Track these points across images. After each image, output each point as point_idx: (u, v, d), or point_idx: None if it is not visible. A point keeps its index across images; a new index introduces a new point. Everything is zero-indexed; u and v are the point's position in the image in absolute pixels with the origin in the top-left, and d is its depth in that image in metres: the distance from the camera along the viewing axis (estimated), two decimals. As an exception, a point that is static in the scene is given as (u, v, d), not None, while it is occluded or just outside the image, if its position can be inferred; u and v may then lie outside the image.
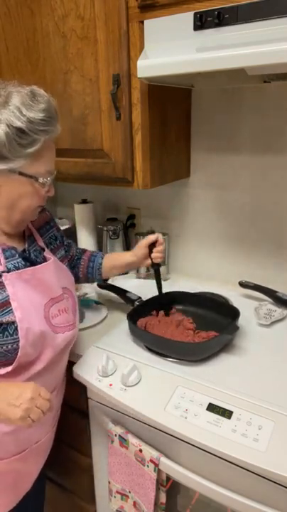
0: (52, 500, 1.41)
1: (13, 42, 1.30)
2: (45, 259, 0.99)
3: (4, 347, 0.86)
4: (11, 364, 0.88)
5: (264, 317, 1.25)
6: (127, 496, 1.08)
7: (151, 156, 1.23)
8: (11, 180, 0.84)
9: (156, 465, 0.95)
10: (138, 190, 1.38)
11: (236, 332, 1.11)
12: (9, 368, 0.88)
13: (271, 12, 0.85)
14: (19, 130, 0.78)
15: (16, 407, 0.79)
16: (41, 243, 1.02)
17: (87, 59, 1.18)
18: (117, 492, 1.09)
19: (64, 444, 1.28)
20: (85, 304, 1.40)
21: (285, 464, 0.79)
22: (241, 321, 1.14)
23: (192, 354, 1.06)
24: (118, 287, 1.41)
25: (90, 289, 1.51)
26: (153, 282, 1.23)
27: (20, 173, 0.83)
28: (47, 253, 1.00)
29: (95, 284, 1.46)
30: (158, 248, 1.18)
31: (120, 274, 1.52)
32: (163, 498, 1.00)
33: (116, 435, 1.03)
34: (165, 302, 1.25)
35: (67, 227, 1.73)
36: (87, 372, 1.06)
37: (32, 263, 0.95)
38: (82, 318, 1.31)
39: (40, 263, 0.96)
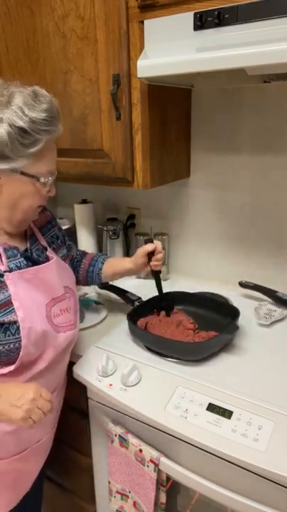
0: (52, 500, 1.41)
1: (13, 42, 1.30)
2: (47, 259, 0.99)
3: (6, 346, 0.86)
4: (13, 363, 0.88)
5: (264, 317, 1.25)
6: (127, 496, 1.08)
7: (151, 156, 1.23)
8: (12, 179, 0.84)
9: (156, 465, 0.95)
10: (138, 190, 1.38)
11: (236, 332, 1.11)
12: (11, 367, 0.88)
13: (271, 12, 0.85)
14: (21, 130, 0.79)
15: (18, 407, 0.80)
16: (43, 242, 1.02)
17: (87, 59, 1.18)
18: (117, 492, 1.09)
19: (64, 444, 1.28)
20: (85, 304, 1.40)
21: (285, 464, 0.79)
22: (241, 321, 1.14)
23: (192, 354, 1.06)
24: (118, 287, 1.41)
25: (90, 289, 1.51)
26: (153, 282, 1.22)
27: (22, 173, 0.84)
28: (49, 252, 1.01)
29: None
30: (157, 257, 1.15)
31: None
32: (163, 498, 1.00)
33: (116, 435, 1.03)
34: (165, 302, 1.25)
35: (67, 227, 1.72)
36: (87, 372, 1.06)
37: (34, 262, 0.95)
38: (82, 318, 1.31)
39: (42, 262, 0.96)
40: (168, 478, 0.98)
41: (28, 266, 0.93)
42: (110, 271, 1.23)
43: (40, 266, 0.94)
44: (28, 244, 0.97)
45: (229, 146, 1.40)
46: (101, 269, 1.23)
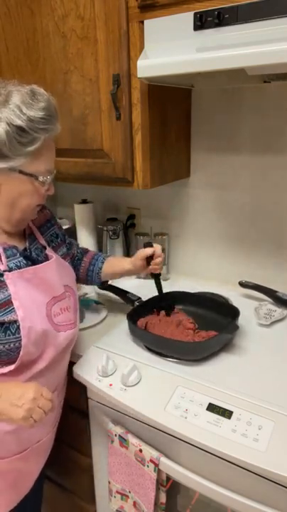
0: (52, 500, 1.41)
1: (13, 42, 1.30)
2: (46, 258, 0.99)
3: (6, 346, 0.86)
4: (13, 363, 0.88)
5: (264, 317, 1.25)
6: (127, 496, 1.08)
7: (151, 156, 1.23)
8: (11, 178, 0.84)
9: (156, 465, 0.95)
10: (138, 190, 1.38)
11: (236, 332, 1.11)
12: (12, 367, 0.88)
13: (271, 12, 0.85)
14: (19, 128, 0.79)
15: (18, 407, 0.80)
16: (42, 241, 1.02)
17: (87, 59, 1.18)
18: (117, 492, 1.09)
19: (64, 444, 1.28)
20: (85, 303, 1.40)
21: (285, 464, 0.79)
22: (241, 321, 1.14)
23: (192, 353, 1.06)
24: (119, 287, 1.41)
25: (90, 289, 1.51)
26: (153, 282, 1.22)
27: (21, 172, 0.84)
28: (48, 251, 1.01)
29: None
30: (156, 261, 1.15)
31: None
32: (163, 498, 1.00)
33: (116, 435, 1.03)
34: (165, 302, 1.25)
35: (67, 227, 1.73)
36: (87, 372, 1.06)
37: (33, 262, 0.95)
38: (82, 318, 1.31)
39: (41, 262, 0.96)
40: (168, 478, 0.98)
41: (27, 265, 0.93)
42: (110, 270, 1.24)
43: (39, 265, 0.94)
44: (27, 244, 0.97)
45: (229, 146, 1.40)
46: (101, 269, 1.23)
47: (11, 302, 0.87)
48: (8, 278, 0.87)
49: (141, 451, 0.98)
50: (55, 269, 0.97)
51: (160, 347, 1.10)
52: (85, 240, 1.69)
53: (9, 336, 0.86)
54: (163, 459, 0.95)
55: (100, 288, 1.43)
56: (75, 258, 1.23)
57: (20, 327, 0.86)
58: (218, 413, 0.90)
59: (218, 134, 1.40)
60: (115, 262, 1.25)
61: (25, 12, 1.24)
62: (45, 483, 1.29)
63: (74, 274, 1.09)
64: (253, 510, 0.85)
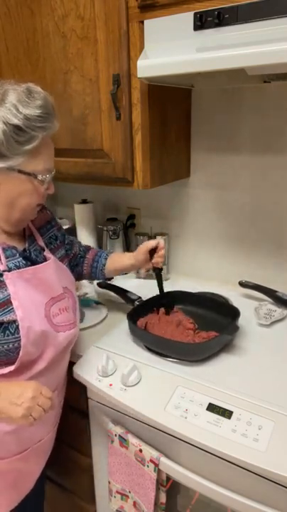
0: (52, 500, 1.41)
1: (13, 42, 1.30)
2: (45, 259, 0.99)
3: (5, 346, 0.86)
4: (13, 363, 0.88)
5: (264, 317, 1.25)
6: (127, 496, 1.08)
7: (151, 156, 1.23)
8: (10, 178, 0.84)
9: (156, 465, 0.95)
10: (138, 190, 1.38)
11: (236, 332, 1.10)
12: (12, 368, 0.88)
13: (271, 12, 0.85)
14: (16, 127, 0.79)
15: (18, 405, 0.80)
16: (41, 243, 1.02)
17: (87, 59, 1.18)
18: (117, 492, 1.09)
19: (64, 444, 1.28)
20: (85, 303, 1.40)
21: (285, 464, 0.79)
22: (241, 321, 1.14)
23: (192, 354, 1.06)
24: (119, 287, 1.41)
25: (90, 289, 1.51)
26: (153, 282, 1.22)
27: (19, 171, 0.83)
28: (47, 253, 1.00)
29: (95, 283, 1.46)
30: (159, 253, 1.16)
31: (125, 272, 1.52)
32: (163, 498, 1.00)
33: (116, 435, 1.03)
34: (166, 300, 1.25)
35: (67, 227, 1.73)
36: (87, 372, 1.06)
37: (32, 262, 0.95)
38: (82, 318, 1.31)
39: (40, 262, 0.96)
40: (168, 478, 0.98)
41: (26, 266, 0.93)
42: (113, 267, 1.24)
43: (38, 265, 0.94)
44: (27, 245, 0.97)
45: (229, 146, 1.40)
46: (104, 265, 1.24)
47: (10, 302, 0.87)
48: (8, 278, 0.87)
49: (141, 451, 0.98)
50: (53, 269, 0.97)
51: (160, 347, 1.10)
52: (85, 240, 1.69)
53: (8, 336, 0.86)
54: (163, 459, 0.95)
55: (100, 286, 1.44)
56: (78, 256, 1.24)
57: (19, 327, 0.86)
58: (218, 413, 0.90)
59: (218, 134, 1.40)
60: (118, 258, 1.25)
61: (25, 12, 1.24)
62: (45, 484, 1.29)
63: (73, 277, 1.09)
64: (253, 510, 0.85)
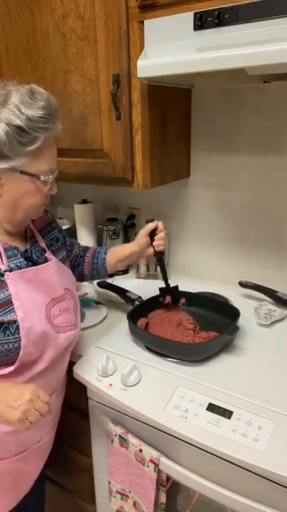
0: (52, 501, 1.41)
1: (13, 42, 1.30)
2: (46, 260, 0.99)
3: (6, 346, 0.86)
4: (13, 364, 0.88)
5: (264, 317, 1.25)
6: (127, 496, 1.08)
7: (151, 156, 1.23)
8: (12, 179, 0.84)
9: (156, 465, 0.95)
10: (138, 190, 1.38)
11: (236, 332, 1.10)
12: (12, 368, 0.88)
13: (271, 12, 0.85)
14: (19, 128, 0.79)
15: (15, 408, 0.79)
16: (42, 244, 1.02)
17: (87, 59, 1.18)
18: (117, 492, 1.09)
19: (64, 444, 1.28)
20: (85, 303, 1.40)
21: (285, 464, 0.79)
22: (241, 321, 1.14)
23: (192, 355, 1.06)
24: (119, 287, 1.41)
25: (90, 289, 1.51)
26: (153, 282, 1.22)
27: (22, 172, 0.84)
28: (48, 254, 1.00)
29: (95, 283, 1.46)
30: (159, 235, 1.16)
31: (123, 272, 1.52)
32: (163, 498, 1.00)
33: (116, 435, 1.03)
34: (173, 292, 1.24)
35: (67, 227, 1.73)
36: (87, 372, 1.06)
37: (34, 263, 0.95)
38: (82, 318, 1.31)
39: (41, 263, 0.96)
40: (168, 478, 0.98)
41: (27, 266, 0.93)
42: (114, 258, 1.22)
43: (40, 266, 0.94)
44: (28, 245, 0.97)
45: (229, 146, 1.40)
46: (105, 259, 1.23)
47: (11, 302, 0.87)
48: (9, 278, 0.87)
49: (141, 451, 0.98)
50: (55, 270, 0.97)
51: (160, 347, 1.10)
52: (85, 239, 1.70)
53: (8, 336, 0.86)
54: (163, 459, 0.95)
55: (100, 286, 1.44)
56: (78, 256, 1.23)
57: (20, 327, 0.86)
58: (218, 413, 0.90)
59: (218, 134, 1.40)
60: (118, 249, 1.24)
61: (25, 12, 1.24)
62: (45, 484, 1.29)
63: (74, 278, 1.09)
64: (253, 510, 0.85)
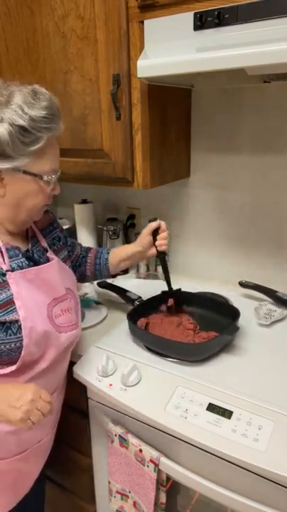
0: (52, 501, 1.41)
1: (13, 42, 1.30)
2: (48, 260, 0.99)
3: (8, 346, 0.86)
4: (14, 363, 0.88)
5: (264, 317, 1.25)
6: (127, 496, 1.08)
7: (151, 156, 1.23)
8: (15, 179, 0.84)
9: (156, 465, 0.95)
10: (138, 190, 1.38)
11: (236, 332, 1.10)
12: (13, 367, 0.88)
13: (271, 12, 0.85)
14: (22, 128, 0.79)
15: (17, 408, 0.79)
16: (44, 244, 1.02)
17: (87, 59, 1.18)
18: (117, 492, 1.09)
19: (64, 444, 1.28)
20: (85, 303, 1.40)
21: (285, 464, 0.79)
22: (241, 321, 1.14)
23: (192, 355, 1.06)
24: (119, 287, 1.41)
25: (90, 289, 1.51)
26: (153, 282, 1.22)
27: (25, 172, 0.84)
28: (49, 254, 1.01)
29: (95, 283, 1.46)
30: (162, 235, 1.15)
31: (123, 272, 1.52)
32: (163, 498, 1.00)
33: (116, 435, 1.03)
34: (175, 295, 1.24)
35: (67, 227, 1.73)
36: (87, 372, 1.06)
37: (35, 263, 0.95)
38: (82, 318, 1.31)
39: (43, 263, 0.96)
40: (168, 478, 0.98)
41: (29, 266, 0.93)
42: (116, 259, 1.22)
43: (41, 266, 0.94)
44: (30, 245, 0.97)
45: (229, 146, 1.40)
46: (107, 260, 1.23)
47: (13, 302, 0.87)
48: (11, 278, 0.88)
49: (141, 451, 0.98)
50: (56, 270, 0.98)
51: (160, 347, 1.10)
52: (85, 239, 1.69)
53: (10, 335, 0.86)
54: (163, 459, 0.95)
55: (100, 286, 1.44)
56: (80, 256, 1.23)
57: (22, 327, 0.86)
58: (218, 413, 0.90)
59: (218, 134, 1.40)
60: (121, 249, 1.24)
61: (25, 12, 1.24)
62: (45, 484, 1.29)
63: (75, 278, 1.09)
64: (253, 510, 0.85)
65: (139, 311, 1.23)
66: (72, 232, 1.72)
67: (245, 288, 1.39)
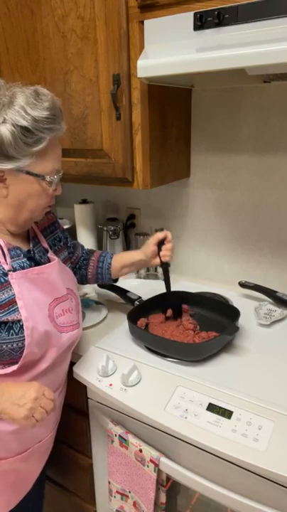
0: (53, 501, 1.41)
1: (13, 42, 1.30)
2: (49, 260, 0.99)
3: (9, 345, 0.86)
4: (16, 363, 0.88)
5: (264, 317, 1.25)
6: (127, 496, 1.08)
7: (151, 156, 1.23)
8: (18, 179, 0.85)
9: (156, 465, 0.95)
10: (138, 190, 1.38)
11: (237, 332, 1.10)
12: (15, 367, 0.88)
13: (271, 12, 0.85)
14: (24, 129, 0.79)
15: (20, 406, 0.80)
16: (45, 244, 1.02)
17: (87, 59, 1.18)
18: (117, 492, 1.09)
19: (64, 444, 1.28)
20: (85, 304, 1.40)
21: (285, 464, 0.79)
22: (241, 321, 1.14)
23: (192, 354, 1.06)
24: (119, 287, 1.41)
25: (90, 289, 1.51)
26: (153, 282, 1.22)
27: (28, 172, 0.84)
28: (50, 254, 1.01)
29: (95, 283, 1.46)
30: (167, 246, 1.16)
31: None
32: (163, 498, 1.00)
33: (116, 435, 1.03)
34: (174, 301, 1.24)
35: (67, 227, 1.73)
36: (87, 373, 1.07)
37: (36, 263, 0.95)
38: (82, 318, 1.31)
39: (44, 263, 0.96)
40: (168, 478, 0.98)
41: (30, 266, 0.93)
42: (119, 264, 1.22)
43: (43, 266, 0.95)
44: (31, 246, 0.98)
45: (229, 146, 1.40)
46: (110, 264, 1.23)
47: (15, 302, 0.87)
48: (13, 278, 0.88)
49: (141, 451, 0.98)
50: (57, 270, 0.98)
51: (160, 347, 1.10)
52: (85, 239, 1.69)
53: (12, 335, 0.86)
54: (163, 459, 0.95)
55: (100, 287, 1.44)
56: (81, 258, 1.23)
57: (24, 327, 0.87)
58: (218, 413, 0.90)
59: (218, 134, 1.40)
60: (124, 256, 1.24)
61: (25, 12, 1.24)
62: (45, 484, 1.29)
63: (75, 278, 1.09)
64: (253, 510, 0.85)
65: (139, 311, 1.23)
66: (72, 232, 1.72)
67: (245, 288, 1.39)
